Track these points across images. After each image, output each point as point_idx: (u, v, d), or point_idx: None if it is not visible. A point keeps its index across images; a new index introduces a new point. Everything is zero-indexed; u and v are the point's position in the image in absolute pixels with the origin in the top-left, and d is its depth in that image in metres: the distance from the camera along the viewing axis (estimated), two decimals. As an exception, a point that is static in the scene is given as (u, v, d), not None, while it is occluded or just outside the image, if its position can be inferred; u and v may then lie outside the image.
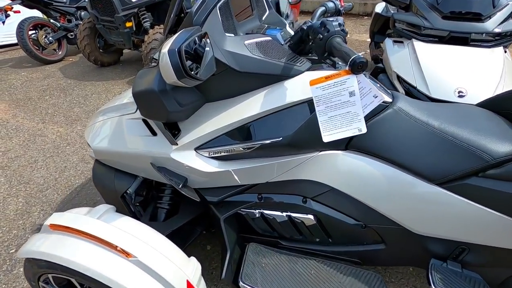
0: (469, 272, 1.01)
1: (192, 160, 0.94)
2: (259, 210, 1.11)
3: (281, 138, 0.88)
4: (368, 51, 3.87)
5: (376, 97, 0.67)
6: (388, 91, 1.02)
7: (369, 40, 3.72)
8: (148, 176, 1.12)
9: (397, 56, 2.14)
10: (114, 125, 1.13)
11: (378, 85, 1.02)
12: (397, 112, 0.94)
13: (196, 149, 0.94)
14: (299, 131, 0.88)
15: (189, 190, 0.98)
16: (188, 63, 0.77)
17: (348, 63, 0.63)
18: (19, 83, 3.61)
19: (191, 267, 0.87)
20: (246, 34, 0.98)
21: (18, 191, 1.82)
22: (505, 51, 2.04)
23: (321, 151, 0.97)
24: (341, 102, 0.68)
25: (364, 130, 0.71)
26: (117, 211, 1.21)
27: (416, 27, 2.16)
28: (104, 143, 1.12)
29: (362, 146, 0.96)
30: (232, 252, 1.10)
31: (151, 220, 1.16)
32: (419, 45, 2.08)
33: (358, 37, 5.08)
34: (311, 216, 1.08)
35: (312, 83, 0.69)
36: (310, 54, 1.04)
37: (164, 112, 0.84)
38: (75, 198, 1.76)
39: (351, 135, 0.72)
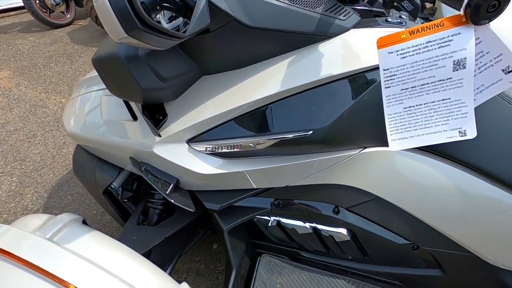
0: None
1: (183, 157, 0.67)
2: (275, 218, 0.86)
3: (311, 132, 0.59)
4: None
5: (510, 71, 0.35)
6: None
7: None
8: (134, 171, 0.88)
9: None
10: (90, 102, 0.88)
11: None
12: None
13: (189, 141, 0.68)
14: (338, 122, 0.58)
15: (181, 195, 0.73)
16: (178, 21, 0.48)
17: (465, 1, 0.31)
18: (25, 48, 3.43)
19: None
20: None
21: (13, 169, 1.68)
22: None
23: (365, 147, 0.67)
24: (436, 80, 0.37)
25: (472, 134, 0.41)
26: (101, 205, 1.01)
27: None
28: (78, 125, 0.87)
29: None
30: (239, 267, 0.87)
31: (144, 219, 0.95)
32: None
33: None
34: (343, 230, 0.81)
35: (382, 42, 0.37)
36: (357, 3, 0.71)
37: (137, 90, 0.56)
38: (72, 179, 1.59)
39: (445, 141, 0.42)
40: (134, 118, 0.73)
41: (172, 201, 0.69)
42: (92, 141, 0.85)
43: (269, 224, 0.87)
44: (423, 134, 0.41)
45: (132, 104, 0.73)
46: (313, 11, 0.58)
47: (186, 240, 1.00)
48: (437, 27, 0.34)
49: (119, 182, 0.92)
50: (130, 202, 0.98)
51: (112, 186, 0.91)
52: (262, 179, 0.72)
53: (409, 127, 0.41)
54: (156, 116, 0.68)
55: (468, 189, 0.65)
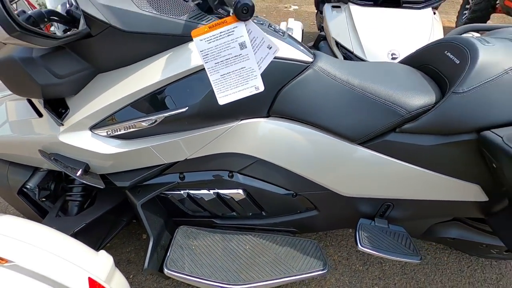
0: (394, 227, 1.04)
1: (87, 141, 0.80)
2: (185, 191, 1.02)
3: (186, 108, 0.78)
4: (315, 21, 3.83)
5: (271, 48, 0.59)
6: (310, 51, 0.95)
7: (318, 11, 3.68)
8: (48, 166, 0.96)
9: (335, 22, 2.10)
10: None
11: (299, 43, 0.95)
12: (318, 72, 0.88)
13: (92, 128, 0.81)
14: (207, 98, 0.78)
15: (91, 177, 0.85)
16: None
17: (233, 7, 0.54)
18: None
19: (97, 262, 0.77)
20: None
21: None
22: (434, 13, 2.10)
23: (241, 120, 0.89)
24: (232, 56, 0.59)
25: (261, 88, 0.64)
26: (16, 207, 1.05)
27: (352, -10, 2.13)
28: (-16, 132, 0.92)
29: (284, 111, 0.90)
30: (157, 239, 1.01)
31: (64, 213, 1.02)
32: (355, 8, 2.05)
33: (307, 8, 5.04)
34: (240, 191, 1.01)
35: (195, 34, 0.58)
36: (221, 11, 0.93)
37: (35, 86, 0.68)
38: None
39: (249, 95, 0.64)
40: (40, 115, 0.83)
41: (83, 180, 0.81)
42: (0, 144, 0.91)
43: (182, 197, 1.03)
44: (235, 92, 0.63)
45: (37, 102, 0.83)
46: (179, 19, 0.77)
47: (110, 228, 1.09)
48: (224, 23, 0.56)
49: (35, 182, 0.99)
50: (48, 202, 1.04)
51: (27, 186, 0.97)
52: (162, 155, 0.88)
53: (227, 87, 0.62)
54: (59, 110, 0.79)
55: (315, 142, 0.91)
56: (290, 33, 2.14)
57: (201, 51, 0.59)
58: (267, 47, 0.59)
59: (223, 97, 0.62)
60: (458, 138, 0.82)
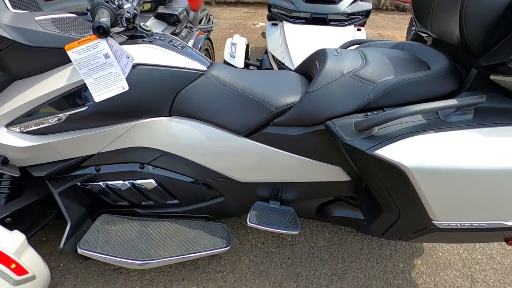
0: (285, 208, 1.22)
1: (2, 137, 0.95)
2: (103, 182, 1.18)
3: (86, 107, 0.95)
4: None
5: (129, 57, 0.78)
6: (207, 60, 1.15)
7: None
8: None
9: (272, 37, 2.35)
10: None
11: (199, 55, 1.15)
12: (210, 78, 1.08)
13: (7, 126, 0.96)
14: (103, 100, 0.95)
15: (9, 167, 1.00)
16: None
17: (92, 28, 0.73)
18: None
19: (8, 239, 0.90)
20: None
21: None
22: (359, 29, 2.39)
23: (146, 118, 1.06)
24: (100, 64, 0.77)
25: (126, 87, 0.82)
26: None
27: (287, 10, 2.40)
28: None
29: (183, 111, 1.08)
30: (76, 225, 1.15)
31: None
32: (287, 26, 2.32)
33: (271, 24, 5.34)
34: (151, 181, 1.17)
35: (67, 48, 0.76)
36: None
37: None
38: None
39: (118, 93, 0.82)
40: None
41: (0, 171, 0.95)
42: None
43: (101, 187, 1.18)
44: (107, 91, 0.81)
45: None
46: (82, 36, 0.95)
47: (38, 218, 1.22)
48: (89, 40, 0.75)
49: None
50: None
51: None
52: (73, 148, 1.04)
53: (100, 88, 0.81)
54: (-22, 111, 0.94)
55: (211, 136, 1.09)
56: (234, 48, 2.37)
57: (74, 61, 0.77)
58: (126, 57, 0.77)
59: (98, 96, 0.80)
60: (314, 128, 1.02)
